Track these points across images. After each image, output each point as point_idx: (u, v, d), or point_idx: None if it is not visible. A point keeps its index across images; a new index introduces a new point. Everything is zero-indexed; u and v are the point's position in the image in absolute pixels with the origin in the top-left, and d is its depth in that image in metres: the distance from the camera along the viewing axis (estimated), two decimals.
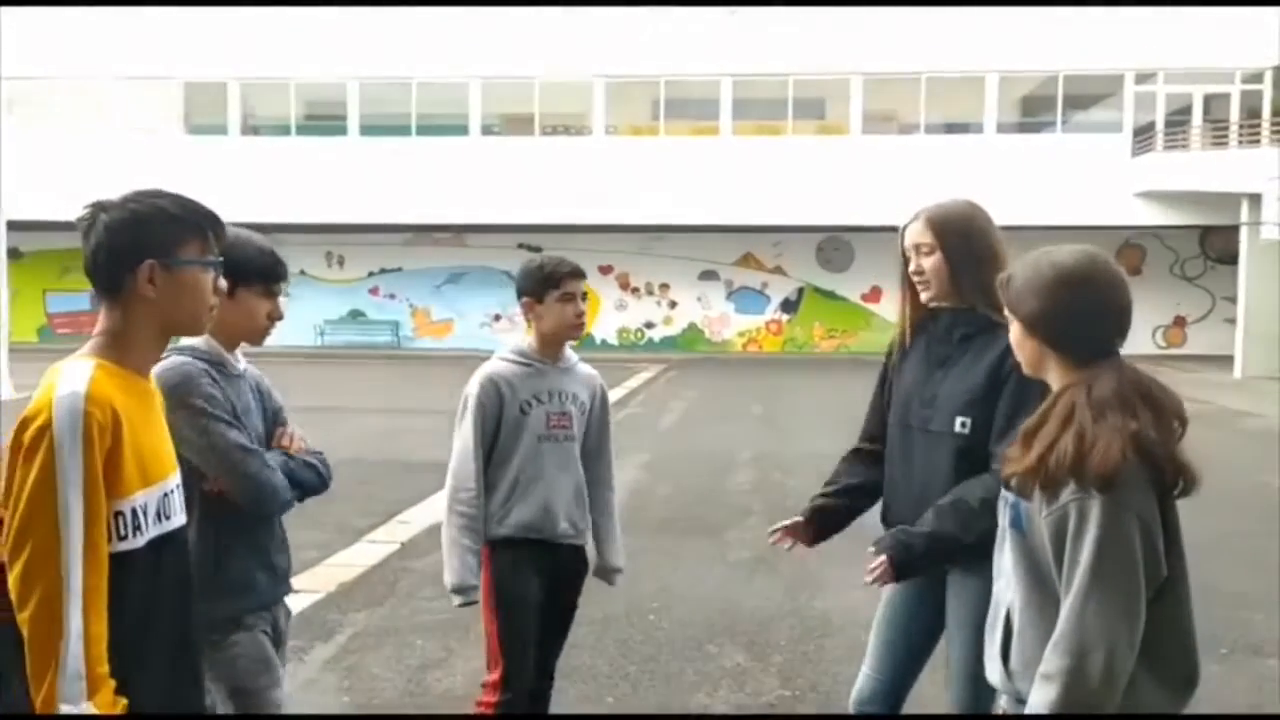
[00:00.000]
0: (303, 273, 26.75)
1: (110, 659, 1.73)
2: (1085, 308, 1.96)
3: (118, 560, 1.78)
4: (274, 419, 2.67)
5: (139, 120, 24.70)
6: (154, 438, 1.91)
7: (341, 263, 27.28)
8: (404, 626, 5.10)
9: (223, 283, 1.99)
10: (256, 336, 2.58)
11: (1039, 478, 1.89)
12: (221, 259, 1.98)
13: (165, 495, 1.91)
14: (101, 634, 1.72)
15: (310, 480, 2.61)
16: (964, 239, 2.65)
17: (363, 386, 17.73)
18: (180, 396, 2.34)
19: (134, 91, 24.53)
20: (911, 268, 2.71)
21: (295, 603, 5.34)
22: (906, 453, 2.74)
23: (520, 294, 3.18)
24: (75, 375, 1.78)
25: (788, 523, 2.92)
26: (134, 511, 1.82)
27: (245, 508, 2.46)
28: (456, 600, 3.10)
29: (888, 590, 2.83)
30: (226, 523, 2.47)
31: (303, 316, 26.71)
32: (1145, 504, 1.85)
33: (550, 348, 3.20)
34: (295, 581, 5.82)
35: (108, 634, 1.73)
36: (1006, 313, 2.07)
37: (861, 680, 2.88)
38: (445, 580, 3.11)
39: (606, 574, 3.38)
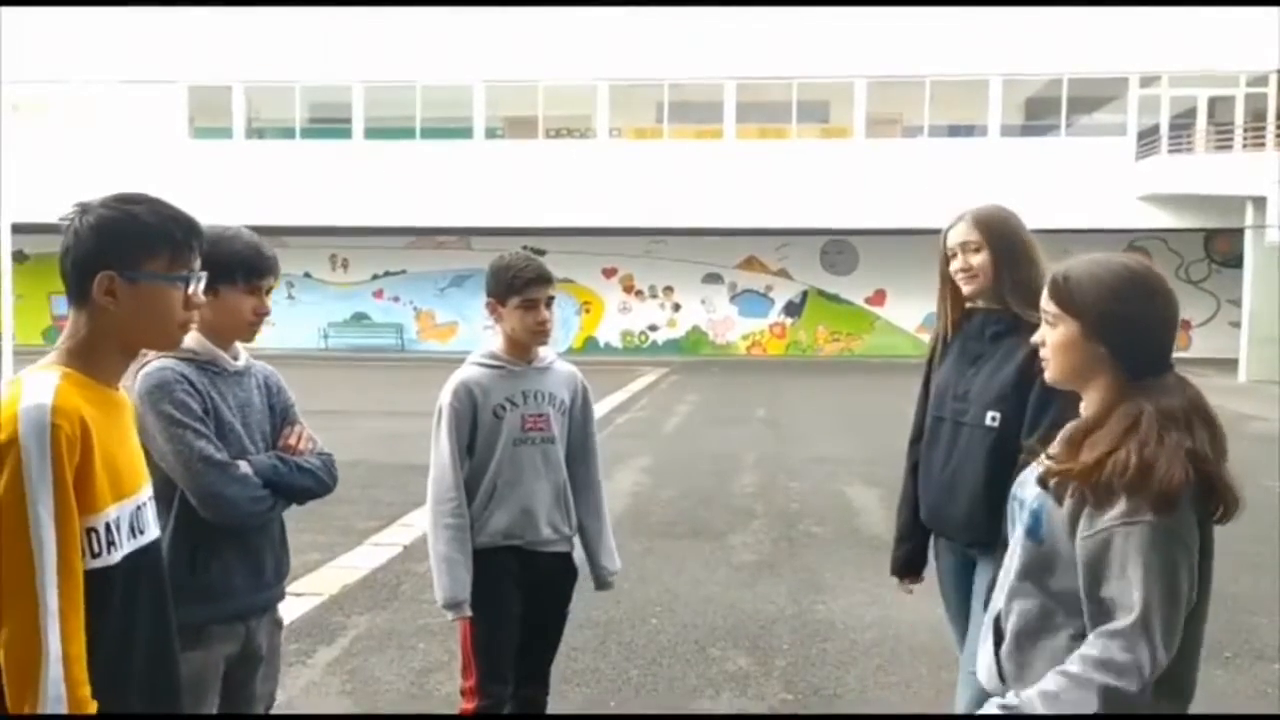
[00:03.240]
0: (307, 275, 26.79)
1: (90, 678, 1.67)
2: (1158, 318, 1.89)
3: (93, 578, 1.70)
4: (283, 416, 2.60)
5: (144, 123, 24.74)
6: (125, 450, 1.82)
7: (345, 266, 27.31)
8: (407, 630, 5.10)
9: (201, 296, 1.89)
10: (243, 334, 2.51)
11: (1091, 482, 1.79)
12: (191, 274, 1.86)
13: (138, 509, 1.83)
14: (81, 654, 1.65)
15: (304, 485, 2.51)
16: (1006, 238, 2.84)
17: (366, 389, 17.73)
18: (154, 402, 2.31)
19: (139, 95, 24.57)
20: (958, 265, 2.87)
21: (298, 606, 5.39)
22: (940, 443, 2.93)
23: (487, 292, 3.13)
24: (40, 386, 1.69)
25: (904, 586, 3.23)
26: (107, 527, 1.73)
27: (206, 519, 2.37)
28: (450, 615, 3.04)
29: (945, 591, 3.04)
30: (208, 523, 2.37)
31: (307, 319, 26.76)
32: (1190, 532, 1.80)
33: (519, 349, 3.14)
34: (298, 585, 5.82)
35: (87, 653, 1.66)
36: (1053, 313, 1.94)
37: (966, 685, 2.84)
38: (436, 596, 3.05)
39: (600, 577, 3.28)
